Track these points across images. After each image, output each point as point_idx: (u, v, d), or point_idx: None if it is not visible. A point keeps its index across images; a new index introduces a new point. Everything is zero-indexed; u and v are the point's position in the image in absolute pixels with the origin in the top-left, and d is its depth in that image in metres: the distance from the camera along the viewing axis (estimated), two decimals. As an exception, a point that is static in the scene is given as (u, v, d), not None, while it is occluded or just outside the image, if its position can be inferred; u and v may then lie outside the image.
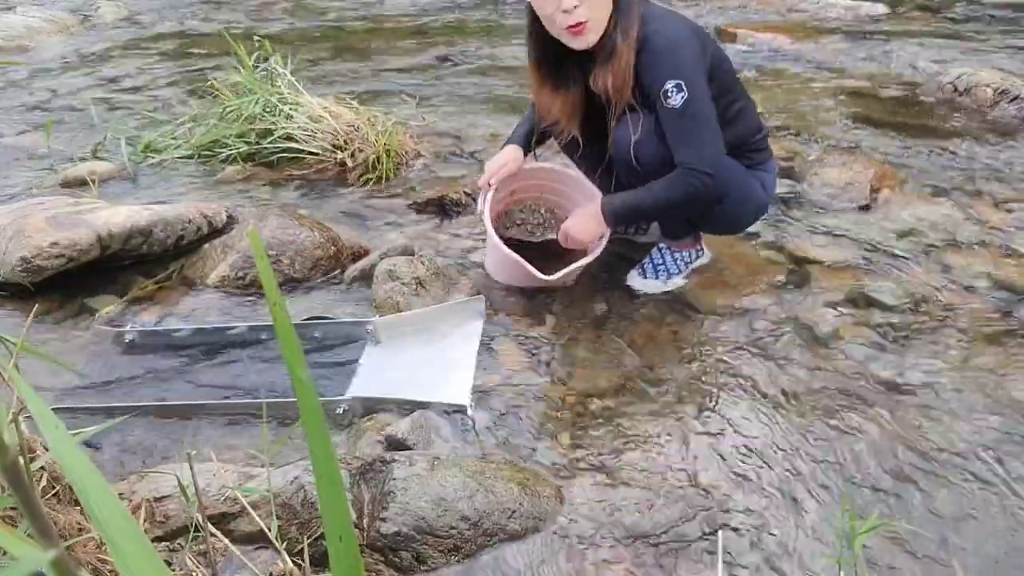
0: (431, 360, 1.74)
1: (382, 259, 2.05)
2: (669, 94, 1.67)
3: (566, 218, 2.23)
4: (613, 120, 1.82)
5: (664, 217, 1.96)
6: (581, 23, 1.66)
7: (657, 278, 2.00)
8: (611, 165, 1.92)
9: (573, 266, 1.92)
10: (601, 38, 1.71)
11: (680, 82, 1.67)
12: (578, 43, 1.71)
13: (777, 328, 1.86)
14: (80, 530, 1.08)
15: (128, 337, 1.85)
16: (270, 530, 1.08)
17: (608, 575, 1.25)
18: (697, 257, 2.09)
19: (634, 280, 2.03)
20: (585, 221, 1.88)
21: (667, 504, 1.37)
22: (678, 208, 1.81)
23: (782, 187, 2.38)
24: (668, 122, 1.71)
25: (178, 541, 1.23)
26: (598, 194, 2.04)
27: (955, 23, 4.71)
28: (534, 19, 1.76)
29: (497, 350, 1.76)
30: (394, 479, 1.29)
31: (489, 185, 1.96)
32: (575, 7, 1.63)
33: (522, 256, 1.89)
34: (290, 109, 2.80)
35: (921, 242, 2.24)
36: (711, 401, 1.62)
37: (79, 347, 1.85)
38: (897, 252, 2.19)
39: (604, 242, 1.98)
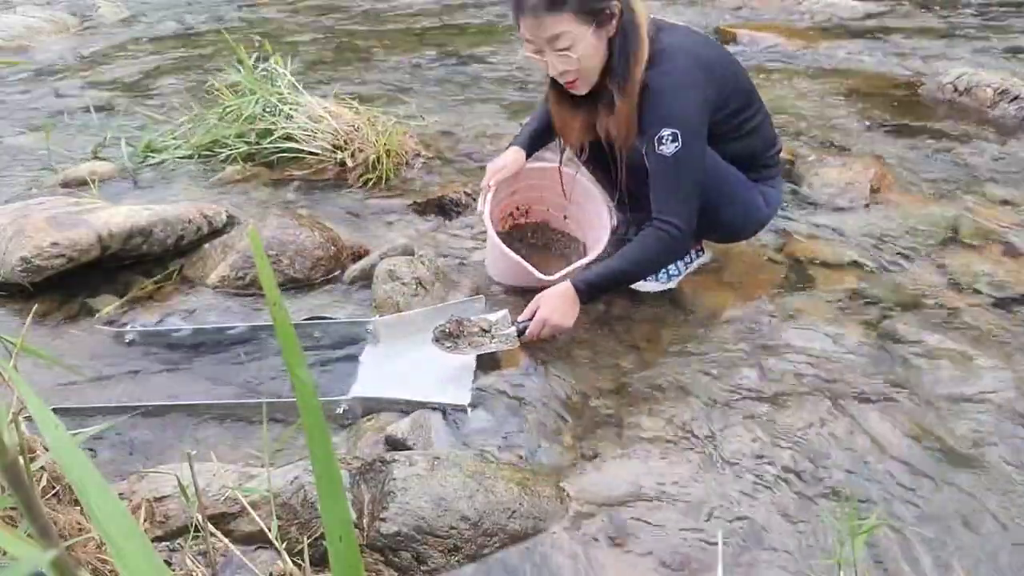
0: (431, 360, 1.74)
1: (382, 259, 2.05)
2: (663, 141, 1.65)
3: (565, 217, 2.25)
4: (621, 164, 1.83)
5: (637, 279, 1.89)
6: (571, 80, 1.72)
7: (657, 279, 2.00)
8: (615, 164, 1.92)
9: (573, 266, 1.92)
10: (599, 84, 1.72)
11: (676, 131, 1.65)
12: (574, 91, 1.76)
13: (777, 328, 1.86)
14: (80, 530, 1.08)
15: (128, 337, 1.85)
16: (270, 530, 1.08)
17: (608, 575, 1.25)
18: (697, 257, 2.09)
19: (634, 280, 2.03)
20: (560, 306, 1.72)
21: (667, 504, 1.37)
22: (652, 267, 1.79)
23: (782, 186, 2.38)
24: (655, 167, 1.70)
25: (178, 541, 1.23)
26: (597, 194, 2.04)
27: (955, 23, 4.71)
28: None
29: (497, 350, 1.76)
30: (394, 479, 1.29)
31: (489, 186, 1.97)
32: (563, 73, 1.69)
33: (522, 256, 1.89)
34: (290, 109, 2.80)
35: (921, 242, 2.24)
36: (711, 401, 1.62)
37: (79, 347, 1.85)
38: (897, 252, 2.19)
39: (604, 241, 1.99)
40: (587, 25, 1.62)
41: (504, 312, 1.77)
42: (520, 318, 1.74)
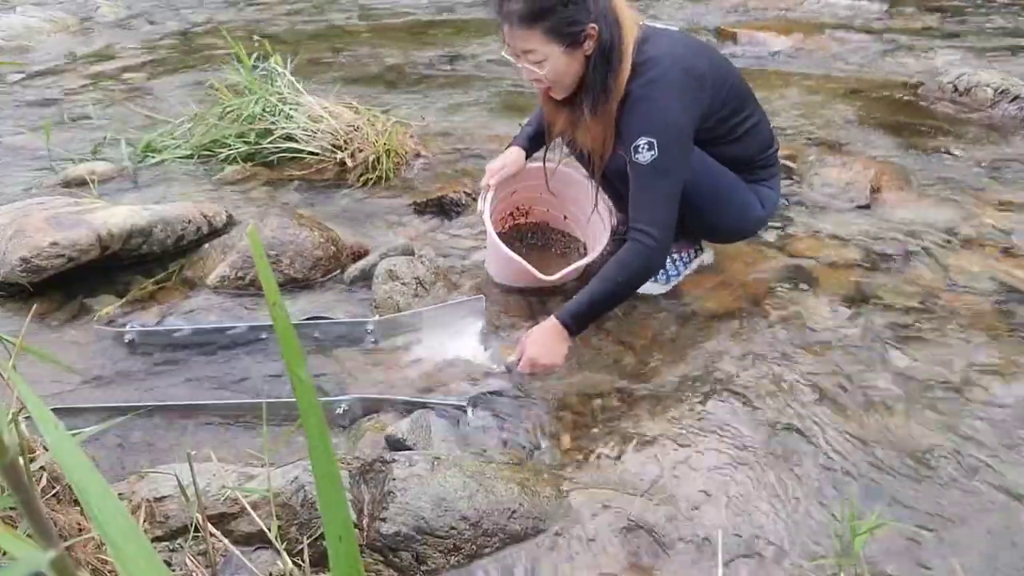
0: (431, 360, 1.74)
1: (382, 259, 2.05)
2: (640, 149, 1.64)
3: (565, 217, 2.25)
4: (597, 173, 1.84)
5: (621, 300, 1.78)
6: (545, 88, 1.72)
7: (656, 280, 2.00)
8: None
9: (573, 266, 1.92)
10: (576, 94, 1.72)
11: (653, 140, 1.63)
12: (552, 95, 1.76)
13: (776, 328, 1.86)
14: (80, 530, 1.08)
15: (128, 337, 1.85)
16: (270, 530, 1.08)
17: (608, 575, 1.25)
18: (696, 256, 2.09)
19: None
20: (548, 343, 1.65)
21: (667, 504, 1.37)
22: (634, 283, 1.72)
23: (782, 186, 2.38)
24: (632, 176, 1.69)
25: (178, 541, 1.22)
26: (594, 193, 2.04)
27: (955, 23, 4.71)
28: None
29: (497, 350, 1.76)
30: (394, 479, 1.29)
31: (489, 186, 1.97)
32: (533, 80, 1.70)
33: (522, 256, 1.89)
34: (290, 109, 2.80)
35: (921, 242, 2.24)
36: (711, 401, 1.62)
37: (79, 347, 1.85)
38: (897, 252, 2.19)
39: (604, 241, 1.99)
40: (558, 45, 1.61)
41: (493, 349, 1.74)
42: (510, 358, 1.68)
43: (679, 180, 1.69)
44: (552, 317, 1.66)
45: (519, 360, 1.64)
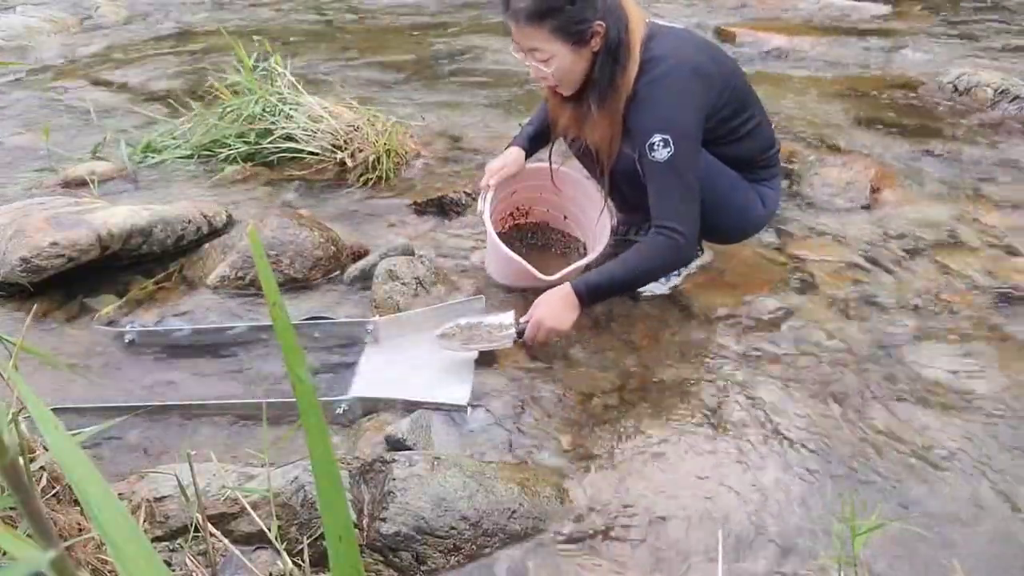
0: (431, 360, 1.74)
1: (382, 259, 2.05)
2: (655, 147, 1.64)
3: (565, 217, 2.25)
4: (605, 170, 1.83)
5: (639, 285, 1.84)
6: (551, 85, 1.73)
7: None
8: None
9: (573, 266, 1.92)
10: (583, 90, 1.72)
11: (667, 137, 1.63)
12: (559, 91, 1.76)
13: (776, 328, 1.86)
14: (80, 530, 1.08)
15: (128, 337, 1.85)
16: (270, 530, 1.08)
17: (608, 575, 1.24)
18: (696, 257, 2.09)
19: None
20: (557, 309, 1.67)
21: (667, 504, 1.37)
22: (656, 274, 1.75)
23: (782, 187, 2.38)
24: (650, 174, 1.69)
25: (178, 541, 1.22)
26: (596, 194, 2.04)
27: (955, 23, 4.71)
28: None
29: (497, 350, 1.76)
30: (394, 479, 1.29)
31: (489, 186, 1.97)
32: (540, 78, 1.70)
33: (522, 256, 1.89)
34: (290, 109, 2.80)
35: (921, 242, 2.24)
36: (711, 401, 1.62)
37: (79, 347, 1.85)
38: (897, 252, 2.19)
39: (604, 241, 1.99)
40: (565, 43, 1.62)
41: (511, 313, 1.77)
42: (521, 319, 1.72)
43: (696, 176, 1.70)
44: (567, 284, 1.69)
45: (528, 323, 1.67)
